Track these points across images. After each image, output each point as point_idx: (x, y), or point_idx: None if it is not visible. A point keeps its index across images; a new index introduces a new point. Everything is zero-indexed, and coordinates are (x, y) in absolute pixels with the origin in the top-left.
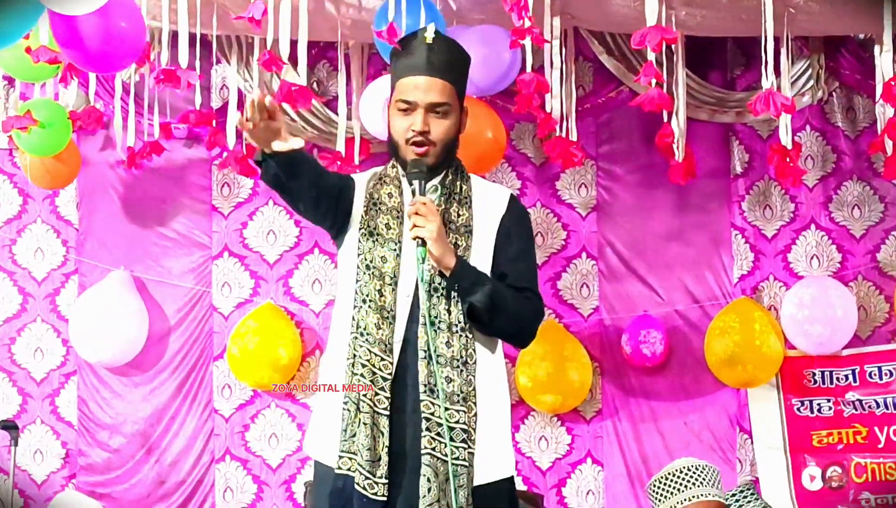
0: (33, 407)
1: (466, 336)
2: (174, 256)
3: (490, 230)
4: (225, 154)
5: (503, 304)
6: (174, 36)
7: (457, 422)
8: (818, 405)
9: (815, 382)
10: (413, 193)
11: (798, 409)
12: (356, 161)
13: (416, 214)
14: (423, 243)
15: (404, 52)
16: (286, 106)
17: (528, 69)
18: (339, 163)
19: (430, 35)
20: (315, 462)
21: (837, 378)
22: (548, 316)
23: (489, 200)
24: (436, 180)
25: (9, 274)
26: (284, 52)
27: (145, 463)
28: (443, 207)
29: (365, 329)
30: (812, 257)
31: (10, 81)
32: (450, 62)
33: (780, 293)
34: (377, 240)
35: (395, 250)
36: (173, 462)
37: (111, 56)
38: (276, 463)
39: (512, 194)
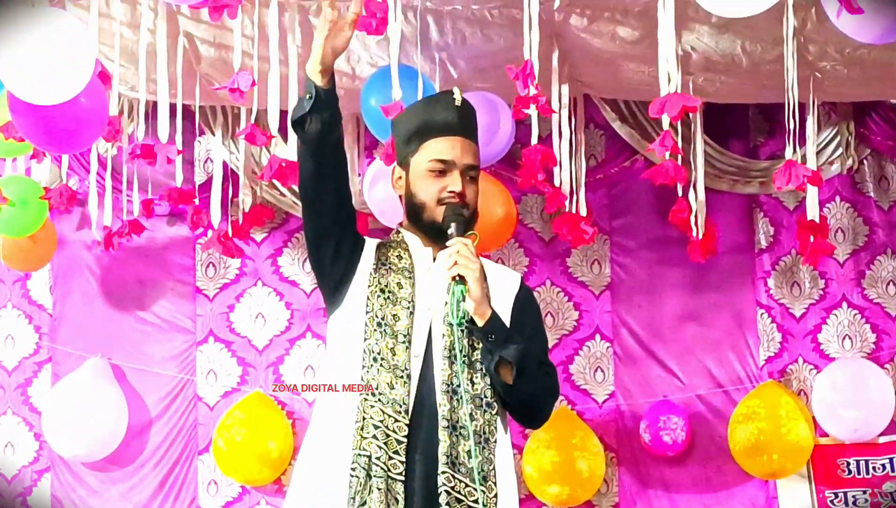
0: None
1: (490, 412)
2: (155, 342)
3: (506, 307)
4: (210, 233)
5: (531, 368)
6: (154, 107)
7: (475, 501)
8: (853, 497)
9: (850, 472)
10: (450, 235)
11: (832, 502)
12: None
13: (458, 253)
14: (463, 282)
15: (432, 112)
16: (276, 183)
17: (535, 140)
18: None
19: (458, 97)
20: None
21: (874, 468)
22: (560, 402)
23: (501, 278)
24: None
25: None
26: (273, 124)
27: None
28: None
29: (377, 389)
30: (844, 338)
31: None
32: (474, 126)
33: (810, 377)
34: (389, 298)
35: (408, 308)
36: None
37: (71, 135)
38: None
39: (521, 277)
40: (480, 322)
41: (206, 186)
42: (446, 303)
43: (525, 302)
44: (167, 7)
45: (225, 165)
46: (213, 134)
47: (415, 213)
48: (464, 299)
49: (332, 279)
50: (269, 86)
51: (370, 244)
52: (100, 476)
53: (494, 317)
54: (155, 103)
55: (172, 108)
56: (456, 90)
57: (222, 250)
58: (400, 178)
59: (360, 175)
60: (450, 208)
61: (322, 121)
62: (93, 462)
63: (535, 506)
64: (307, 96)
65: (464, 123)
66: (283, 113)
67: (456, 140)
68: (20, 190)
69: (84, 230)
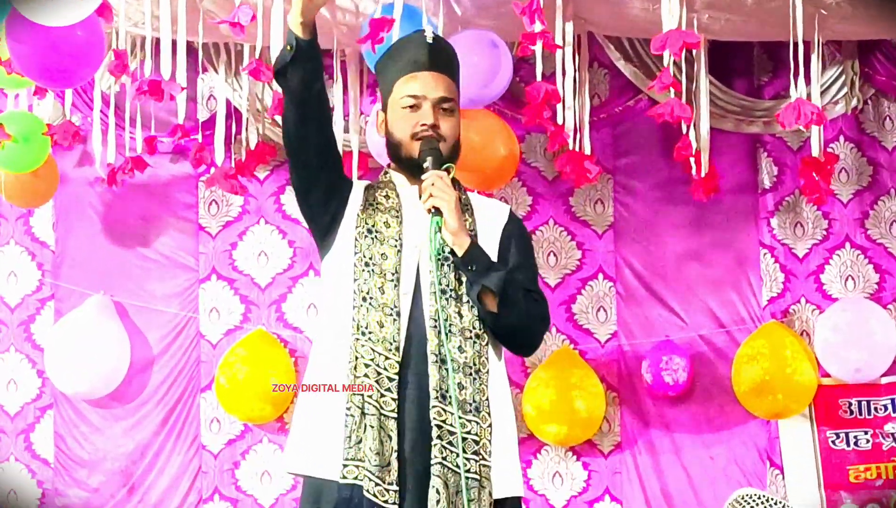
0: (6, 444)
1: (480, 343)
2: (158, 279)
3: (493, 238)
4: (213, 170)
5: (515, 295)
6: (157, 44)
7: (468, 433)
8: (855, 437)
9: (852, 412)
10: (426, 169)
11: (833, 442)
12: (354, 177)
13: (433, 185)
14: (439, 213)
15: (403, 52)
16: (279, 120)
17: (539, 77)
18: None
19: (430, 35)
20: (307, 478)
21: (875, 408)
22: (561, 342)
23: (489, 210)
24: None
25: None
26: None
27: (127, 503)
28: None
29: (367, 328)
30: (847, 278)
31: None
32: (450, 60)
33: (813, 317)
34: (376, 237)
35: (395, 246)
36: (157, 501)
37: (67, 69)
38: (269, 503)
39: (510, 209)
40: (460, 252)
41: (209, 123)
42: (442, 259)
43: (512, 232)
44: None
45: (228, 102)
46: (216, 71)
47: (394, 152)
48: (440, 230)
49: (322, 224)
50: (272, 21)
51: (358, 187)
52: (102, 413)
53: (474, 246)
54: (157, 40)
55: (175, 45)
56: (428, 29)
57: (226, 188)
58: (383, 121)
59: (361, 113)
60: (425, 142)
61: (304, 71)
62: (95, 399)
63: (535, 445)
64: (288, 47)
65: (435, 59)
66: None
67: (427, 74)
68: (22, 126)
69: (86, 167)
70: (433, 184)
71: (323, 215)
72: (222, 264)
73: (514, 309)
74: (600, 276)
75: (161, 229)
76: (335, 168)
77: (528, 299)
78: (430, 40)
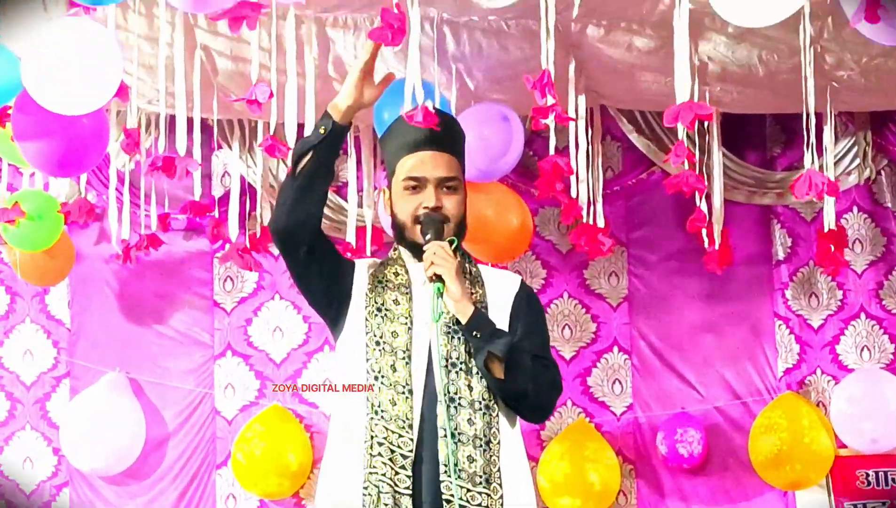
0: None
1: (490, 414)
2: (173, 355)
3: (504, 309)
4: (227, 246)
5: (522, 361)
6: (171, 120)
7: (479, 505)
8: None
9: (869, 483)
10: (427, 241)
11: None
12: (367, 252)
13: (434, 254)
14: (440, 280)
15: (404, 129)
16: None
17: (552, 151)
18: (349, 254)
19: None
20: None
21: (893, 479)
22: (577, 415)
23: (500, 282)
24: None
25: None
26: (290, 136)
27: None
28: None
29: (380, 406)
30: (862, 349)
31: None
32: (452, 137)
33: (829, 388)
34: (386, 316)
35: (405, 323)
36: None
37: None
38: None
39: (522, 280)
40: (463, 319)
41: (224, 200)
42: (452, 332)
43: (523, 301)
44: (184, 20)
45: (242, 178)
46: (230, 148)
47: (399, 233)
48: (441, 296)
49: (329, 311)
50: (287, 98)
51: (361, 266)
52: (118, 490)
53: (478, 313)
54: (173, 117)
55: (190, 121)
56: (429, 103)
57: (240, 264)
58: (388, 199)
59: (375, 188)
60: (427, 218)
61: (328, 155)
62: (111, 476)
63: None
64: (321, 130)
65: (436, 136)
66: (301, 126)
67: (426, 154)
68: (36, 204)
69: (102, 244)
70: (434, 253)
71: (328, 304)
72: (237, 339)
73: (521, 375)
74: (615, 348)
75: (176, 305)
76: (329, 257)
77: (537, 365)
78: None
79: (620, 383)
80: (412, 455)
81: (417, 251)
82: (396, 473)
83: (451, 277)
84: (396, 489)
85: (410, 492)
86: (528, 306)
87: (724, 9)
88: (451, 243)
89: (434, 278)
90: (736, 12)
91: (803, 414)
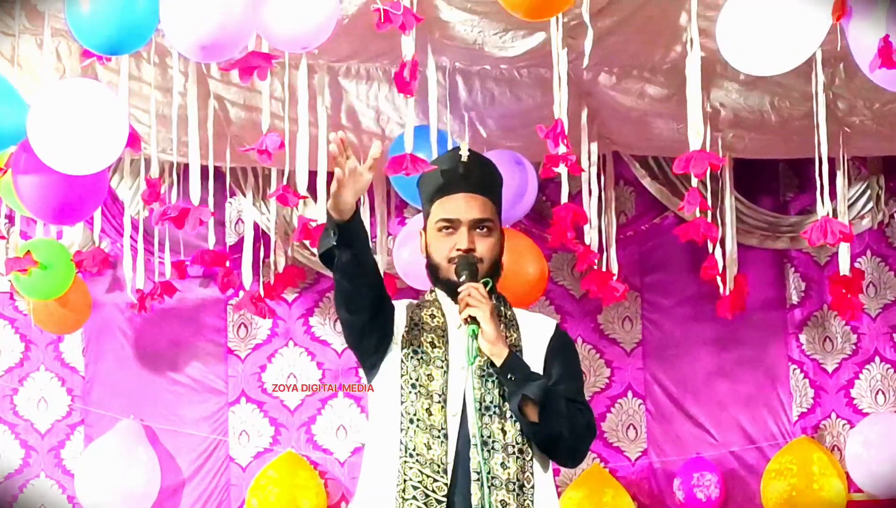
0: None
1: (524, 458)
2: (188, 402)
3: (538, 353)
4: (241, 294)
5: (557, 405)
6: (185, 168)
7: None
8: None
9: None
10: (461, 283)
11: None
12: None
13: (469, 295)
14: (475, 322)
15: (437, 175)
16: (306, 243)
17: (565, 198)
18: None
19: (464, 152)
20: None
21: None
22: (591, 460)
23: (535, 325)
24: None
25: (10, 426)
26: (302, 184)
27: None
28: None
29: (415, 450)
30: (877, 392)
31: (10, 219)
32: (487, 179)
33: (844, 432)
34: (422, 359)
35: (441, 367)
36: None
37: (70, 209)
38: None
39: (556, 322)
40: (498, 361)
41: (237, 246)
42: (486, 376)
43: (558, 345)
44: (197, 70)
45: (256, 226)
46: (244, 195)
47: (433, 274)
48: (475, 338)
49: (371, 360)
50: (299, 147)
51: (400, 308)
52: None
53: (512, 356)
54: (185, 165)
55: (204, 169)
56: (463, 146)
57: (254, 311)
58: (424, 242)
59: (389, 235)
60: (461, 260)
61: (352, 253)
62: None
63: None
64: (331, 233)
65: (470, 178)
66: (313, 174)
67: (460, 197)
68: (48, 253)
69: (116, 292)
70: (469, 294)
71: (374, 352)
72: (251, 387)
73: (555, 419)
74: (630, 394)
75: (190, 352)
76: (385, 315)
77: (571, 409)
78: (464, 158)
79: (635, 428)
80: (446, 499)
81: (453, 291)
82: None
83: (485, 319)
84: None
85: None
86: (562, 349)
87: (735, 58)
88: (485, 284)
89: (469, 320)
90: (747, 61)
91: (814, 460)
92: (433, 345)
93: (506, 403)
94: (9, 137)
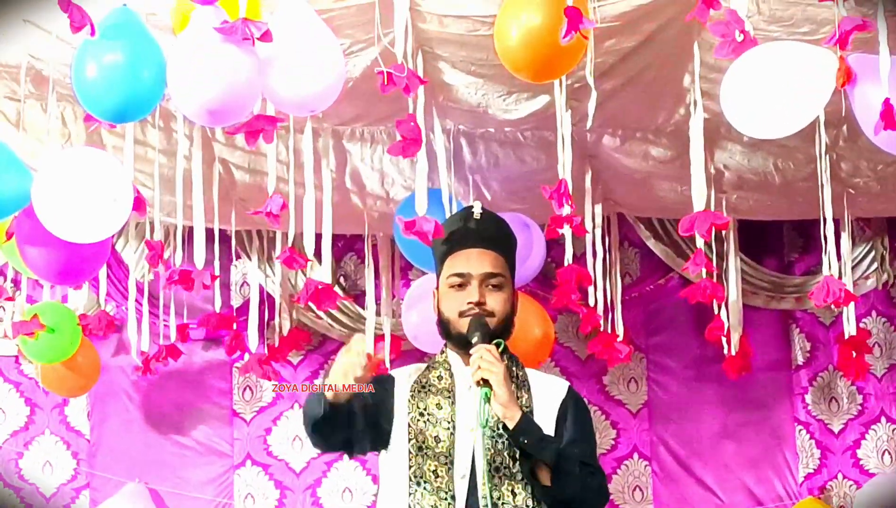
0: None
1: None
2: (193, 465)
3: (550, 415)
4: (246, 356)
5: (570, 468)
6: (190, 231)
7: None
8: None
9: None
10: (474, 344)
11: None
12: (387, 362)
13: (481, 358)
14: (487, 385)
15: (451, 229)
16: (312, 306)
17: (569, 259)
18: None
19: (477, 210)
20: None
21: None
22: None
23: (547, 387)
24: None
25: (15, 490)
26: (309, 247)
27: None
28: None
29: None
30: (884, 453)
31: (17, 284)
32: (499, 236)
33: (850, 492)
34: (429, 420)
35: (448, 428)
36: None
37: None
38: None
39: (569, 384)
40: (511, 425)
41: (242, 309)
42: (496, 437)
43: (570, 406)
44: (202, 133)
45: (261, 288)
46: (249, 258)
47: (445, 329)
48: (488, 401)
49: (377, 445)
50: (305, 210)
51: (400, 377)
52: None
53: (525, 419)
54: (190, 228)
55: (209, 232)
56: (477, 204)
57: (260, 374)
58: (437, 300)
59: (394, 296)
60: (474, 320)
61: (339, 422)
62: None
63: None
64: (324, 409)
65: (482, 234)
66: (318, 237)
67: (472, 252)
68: (55, 317)
69: (121, 355)
70: (481, 357)
71: (375, 444)
72: (257, 449)
73: (568, 482)
74: (636, 455)
75: (195, 415)
76: (369, 425)
77: (584, 472)
78: (477, 216)
79: (641, 489)
80: None
81: (464, 346)
82: None
83: (498, 381)
84: None
85: None
86: (575, 411)
87: (738, 121)
88: (497, 345)
89: (481, 382)
90: (751, 124)
91: None
92: (439, 407)
93: (516, 464)
94: (13, 204)
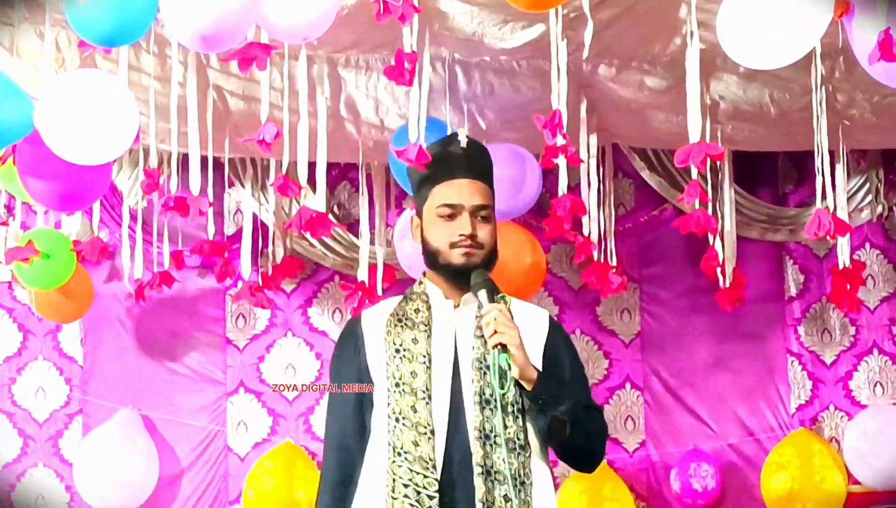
0: None
1: (524, 454)
2: (186, 392)
3: (535, 351)
4: (240, 284)
5: (583, 420)
6: (184, 159)
7: None
8: None
9: None
10: (480, 304)
11: None
12: (379, 290)
13: (496, 320)
14: (505, 350)
15: (438, 157)
16: (305, 234)
17: (563, 189)
18: (360, 293)
19: (464, 139)
20: None
21: None
22: None
23: (529, 320)
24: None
25: (8, 415)
26: (302, 175)
27: None
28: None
29: (402, 448)
30: (875, 384)
31: (10, 210)
32: (485, 165)
33: (842, 424)
34: (405, 356)
35: (424, 362)
36: None
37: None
38: None
39: (550, 316)
40: (528, 386)
41: (236, 237)
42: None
43: (557, 342)
44: (196, 60)
45: (255, 216)
46: (242, 186)
47: (432, 259)
48: (509, 368)
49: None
50: (299, 138)
51: (369, 320)
52: None
53: (541, 378)
54: (184, 155)
55: (203, 160)
56: (461, 132)
57: (253, 302)
58: (417, 226)
59: (387, 225)
60: (477, 275)
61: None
62: None
63: None
64: None
65: (471, 164)
66: (312, 165)
67: (462, 182)
68: (49, 243)
69: (114, 282)
70: (496, 319)
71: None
72: (250, 377)
73: (581, 433)
74: (628, 385)
75: (189, 343)
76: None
77: (591, 418)
78: (463, 144)
79: (633, 420)
80: (438, 495)
81: (451, 276)
82: None
83: (516, 345)
84: None
85: None
86: (565, 347)
87: (734, 51)
88: (502, 299)
89: (498, 347)
90: (747, 55)
91: (814, 452)
92: (415, 342)
93: (506, 396)
94: (14, 131)
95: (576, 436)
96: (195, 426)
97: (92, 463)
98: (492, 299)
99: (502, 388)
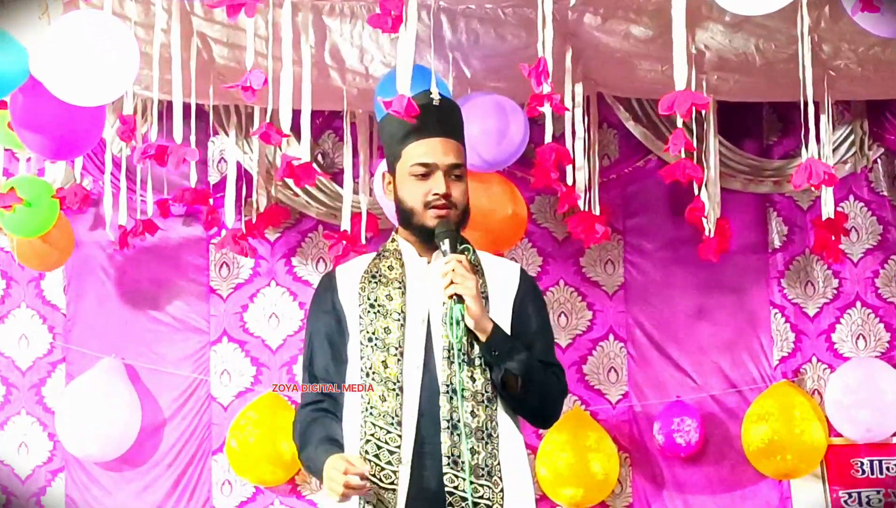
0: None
1: (492, 407)
2: (169, 341)
3: (505, 304)
4: (223, 232)
5: (537, 375)
6: (167, 106)
7: (481, 497)
8: (867, 497)
9: (864, 472)
10: (444, 253)
11: (846, 502)
12: (363, 239)
13: (453, 271)
14: (461, 301)
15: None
16: (289, 182)
17: (549, 138)
18: (344, 243)
19: (436, 97)
20: None
21: (887, 468)
22: (572, 403)
23: (499, 273)
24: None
25: None
26: (286, 123)
27: None
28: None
29: (369, 404)
30: (858, 337)
31: None
32: (458, 124)
33: (824, 376)
34: (378, 311)
35: (398, 319)
36: None
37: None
38: None
39: (521, 268)
40: (483, 337)
41: (220, 185)
42: (444, 319)
43: (526, 295)
44: (181, 7)
45: (238, 165)
46: (226, 134)
47: (406, 219)
48: (462, 318)
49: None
50: (282, 86)
51: (343, 276)
52: (114, 476)
53: (496, 331)
54: (168, 103)
55: (186, 108)
56: (434, 90)
57: (236, 250)
58: (389, 183)
59: (371, 174)
60: (441, 223)
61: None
62: (107, 461)
63: (549, 507)
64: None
65: (444, 123)
66: (296, 113)
67: (436, 141)
68: (31, 190)
69: (98, 231)
70: (454, 270)
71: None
72: (233, 326)
73: (536, 389)
74: (611, 337)
75: (172, 291)
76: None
77: (549, 376)
78: (436, 103)
79: (616, 371)
80: (399, 451)
81: (425, 236)
82: (382, 469)
83: (472, 296)
84: (380, 484)
85: (394, 487)
86: (534, 300)
87: None
88: (465, 250)
89: (454, 297)
90: (733, 1)
91: (795, 404)
92: (389, 298)
93: (474, 349)
94: (10, 81)
95: (529, 392)
96: (178, 374)
97: (75, 412)
98: (454, 250)
99: (458, 341)
